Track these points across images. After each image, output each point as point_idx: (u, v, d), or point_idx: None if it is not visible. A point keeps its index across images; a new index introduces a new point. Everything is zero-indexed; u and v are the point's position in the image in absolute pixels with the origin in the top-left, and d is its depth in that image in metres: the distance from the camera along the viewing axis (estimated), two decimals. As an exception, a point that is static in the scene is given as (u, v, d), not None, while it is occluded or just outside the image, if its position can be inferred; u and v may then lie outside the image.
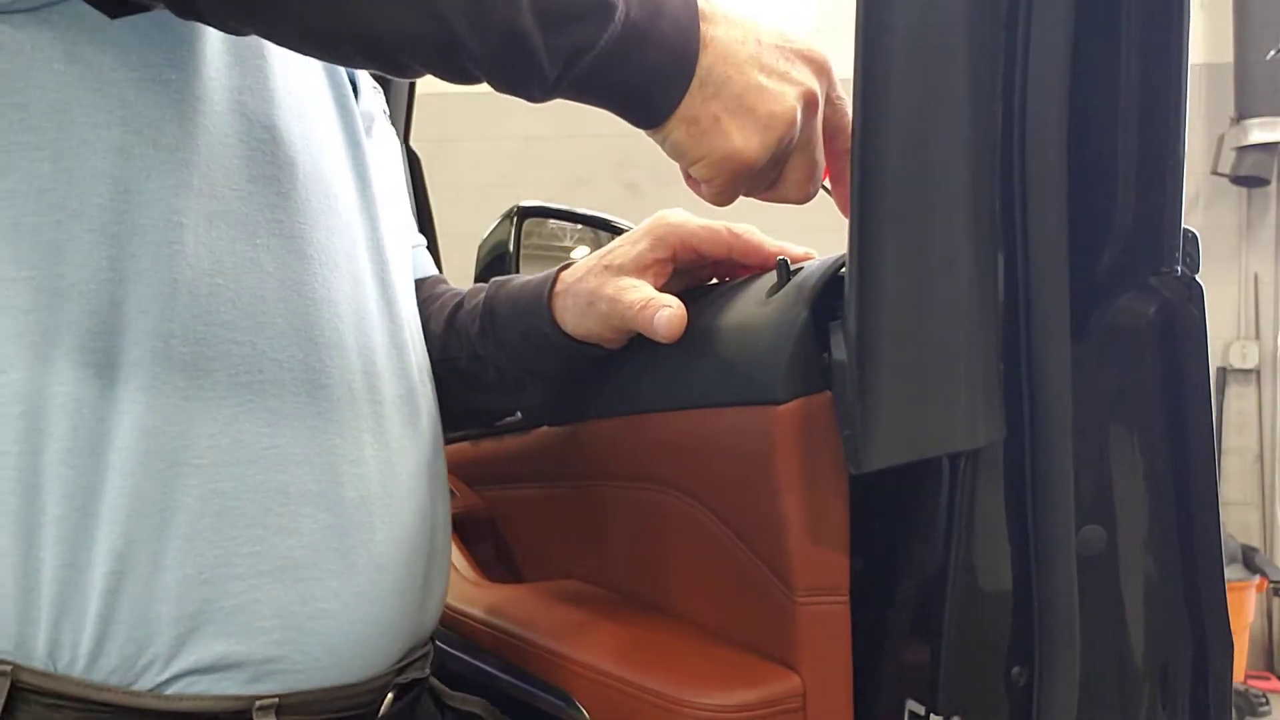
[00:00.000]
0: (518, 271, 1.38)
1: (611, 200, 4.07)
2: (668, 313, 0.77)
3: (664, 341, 0.78)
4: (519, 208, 1.69)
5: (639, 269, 0.80)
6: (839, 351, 0.64)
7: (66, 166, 0.63)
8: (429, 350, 0.91)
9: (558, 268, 0.85)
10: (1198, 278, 0.64)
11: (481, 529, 1.19)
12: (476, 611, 1.00)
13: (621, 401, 0.88)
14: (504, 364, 0.90)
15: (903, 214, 0.61)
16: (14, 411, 0.63)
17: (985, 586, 0.66)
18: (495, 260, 1.43)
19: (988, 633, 0.66)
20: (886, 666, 0.70)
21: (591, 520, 0.99)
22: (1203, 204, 4.19)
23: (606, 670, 0.81)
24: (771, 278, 0.76)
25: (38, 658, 0.63)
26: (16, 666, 0.63)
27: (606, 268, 0.81)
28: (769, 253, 0.81)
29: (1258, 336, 4.23)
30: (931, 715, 0.66)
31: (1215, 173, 4.09)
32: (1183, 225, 0.62)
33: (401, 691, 0.80)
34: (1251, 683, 4.10)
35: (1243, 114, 4.06)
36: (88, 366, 0.64)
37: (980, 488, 0.65)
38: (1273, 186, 4.22)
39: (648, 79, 0.62)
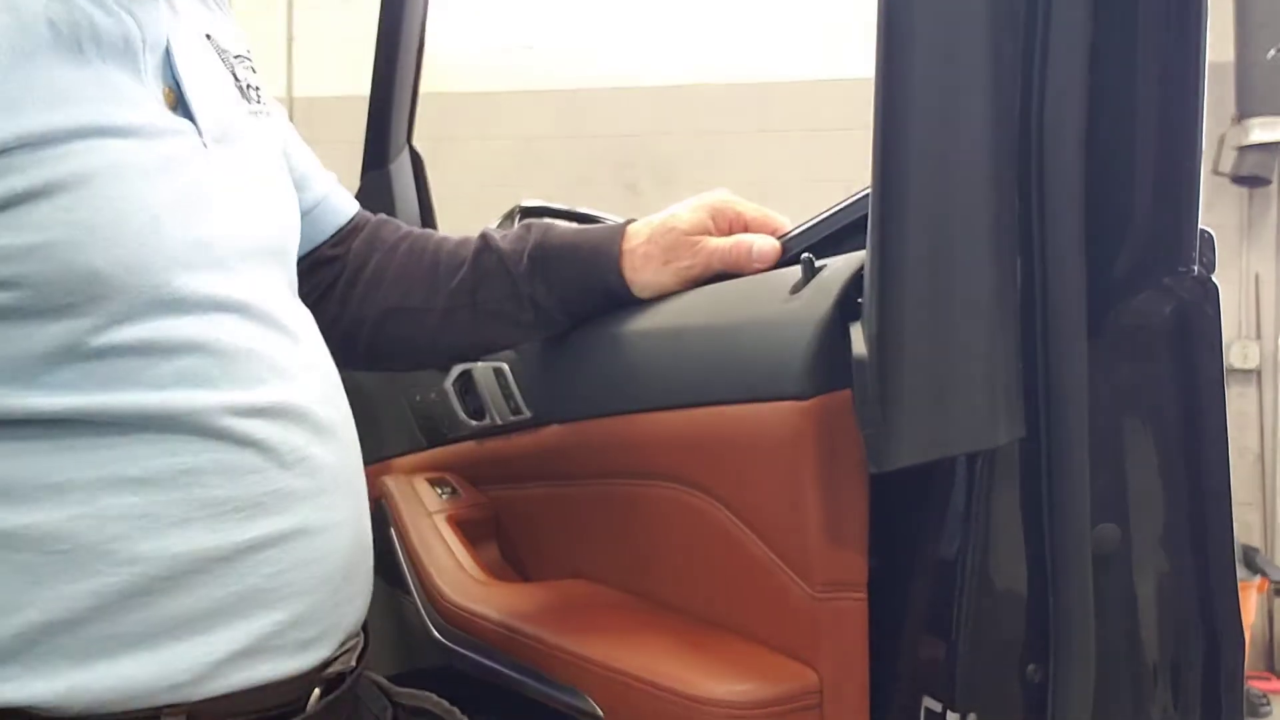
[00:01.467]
0: None
1: (611, 200, 4.07)
2: (759, 244, 0.88)
3: (762, 268, 0.87)
4: (520, 207, 1.69)
5: (703, 231, 0.91)
6: (860, 350, 0.65)
7: None
8: (413, 295, 0.98)
9: (620, 224, 0.94)
10: (1213, 278, 0.64)
11: (486, 528, 1.19)
12: (485, 610, 1.00)
13: (635, 398, 0.88)
14: (550, 305, 0.95)
15: (922, 214, 0.61)
16: None
17: (1001, 584, 0.67)
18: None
19: (1004, 630, 0.67)
20: (903, 663, 0.71)
21: (601, 518, 0.99)
22: (1203, 204, 4.18)
23: (621, 667, 0.81)
24: (793, 274, 0.76)
25: None
26: None
27: (673, 229, 0.91)
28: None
29: (1259, 336, 4.23)
30: (948, 711, 0.66)
31: (1216, 172, 4.09)
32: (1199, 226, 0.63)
33: (330, 686, 0.78)
34: (1252, 683, 4.10)
35: (1243, 113, 4.06)
36: None
37: (997, 486, 0.65)
38: (1273, 186, 4.21)
39: None
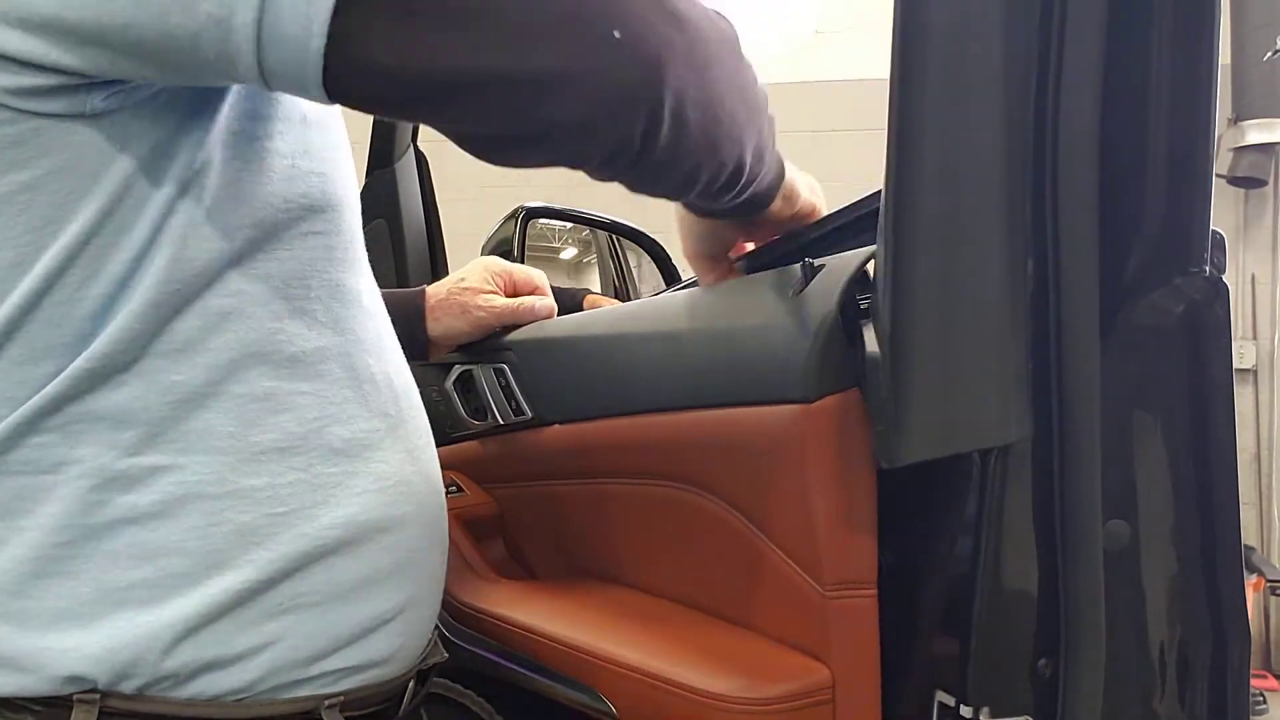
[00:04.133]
0: None
1: (611, 201, 4.06)
2: (540, 302, 1.12)
3: (543, 319, 1.09)
4: (524, 208, 1.70)
5: (491, 290, 1.12)
6: (871, 348, 0.65)
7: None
8: None
9: (418, 290, 1.14)
10: (1224, 278, 0.65)
11: (491, 527, 1.19)
12: (495, 608, 1.01)
13: (641, 400, 0.89)
14: None
15: (936, 213, 0.62)
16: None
17: (1013, 580, 0.67)
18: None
19: (1015, 625, 0.67)
20: (915, 658, 0.71)
21: (607, 518, 1.00)
22: (1201, 205, 4.18)
23: (633, 664, 0.81)
24: (791, 275, 0.77)
25: (124, 691, 0.66)
26: (105, 694, 0.65)
27: (467, 288, 1.12)
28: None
29: (1255, 337, 4.25)
30: (961, 706, 0.67)
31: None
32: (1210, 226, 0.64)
33: (422, 678, 0.83)
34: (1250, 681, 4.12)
35: (1240, 115, 4.08)
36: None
37: (1009, 483, 0.66)
38: (1270, 187, 4.24)
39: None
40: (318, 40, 0.57)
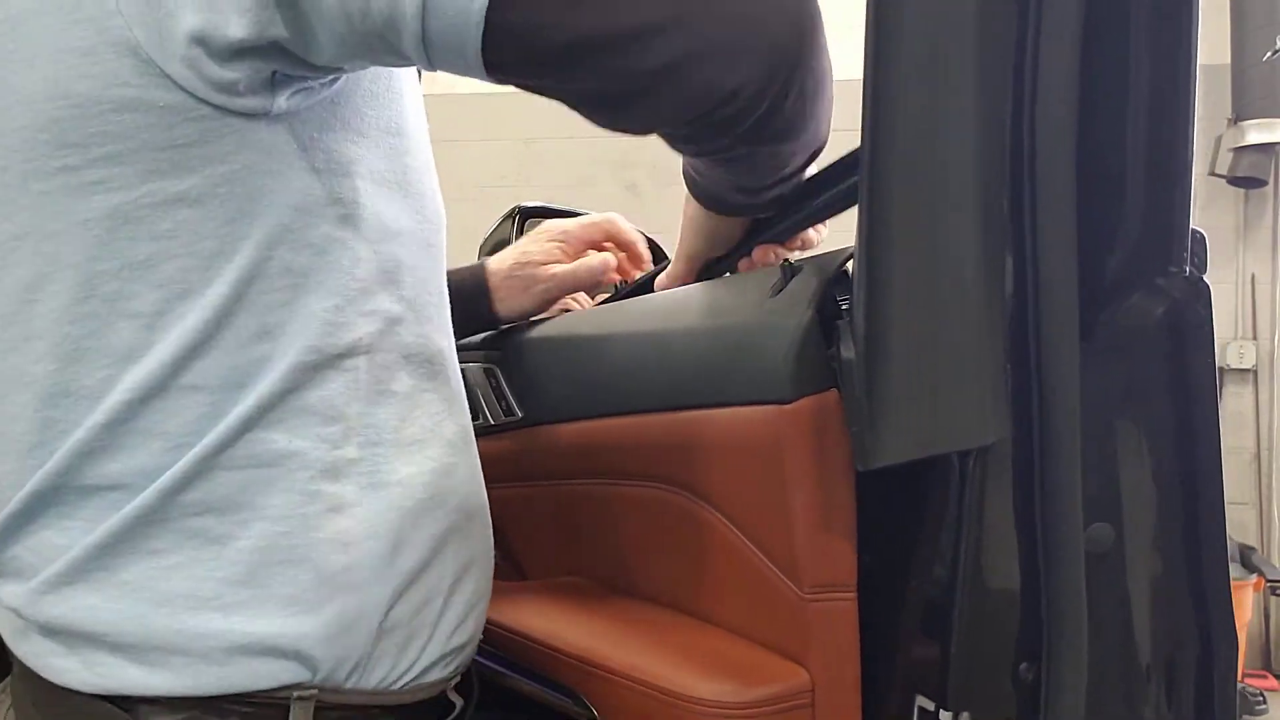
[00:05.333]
0: None
1: (611, 200, 4.06)
2: (597, 259, 1.09)
3: (605, 281, 1.09)
4: (520, 208, 1.69)
5: (554, 260, 1.10)
6: (847, 349, 0.65)
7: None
8: None
9: (480, 263, 1.11)
10: (1205, 278, 0.64)
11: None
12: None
13: (624, 401, 0.88)
14: None
15: (911, 213, 0.61)
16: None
17: (994, 583, 0.67)
18: (497, 259, 1.43)
19: (997, 629, 0.67)
20: (895, 662, 0.71)
21: (594, 519, 0.99)
22: (1200, 205, 4.17)
23: (613, 667, 0.81)
24: (771, 275, 0.76)
25: (338, 681, 0.71)
26: (320, 689, 0.70)
27: (529, 263, 1.10)
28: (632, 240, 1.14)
29: (1255, 337, 4.24)
30: (940, 711, 0.66)
31: (1212, 174, 4.09)
32: (1191, 226, 0.63)
33: None
34: (1249, 681, 4.10)
35: (1240, 115, 4.06)
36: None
37: (989, 486, 0.65)
38: (1270, 187, 4.22)
39: None
40: (480, 1, 0.59)
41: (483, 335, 1.12)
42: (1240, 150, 4.11)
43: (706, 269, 0.91)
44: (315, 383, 0.69)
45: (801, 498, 0.70)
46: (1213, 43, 4.10)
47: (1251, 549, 4.01)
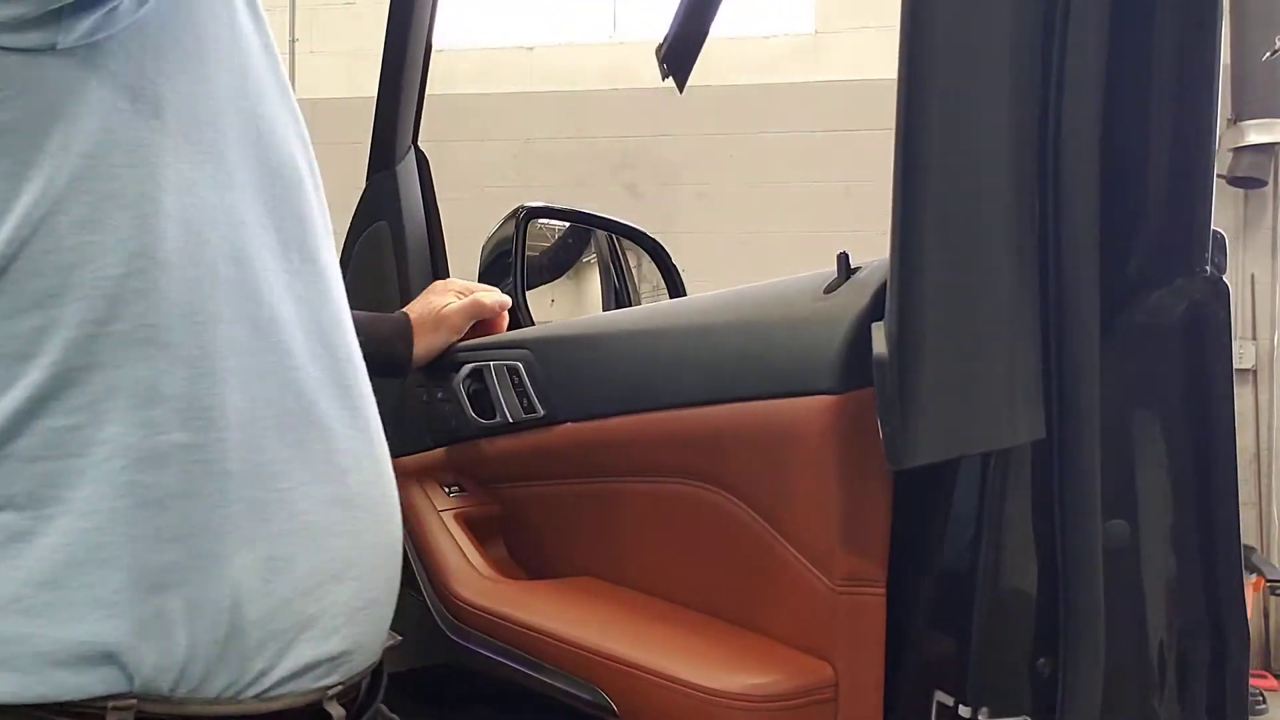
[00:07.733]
0: (522, 270, 1.40)
1: (611, 200, 4.07)
2: (489, 296, 1.19)
3: (496, 311, 1.18)
4: (524, 208, 1.69)
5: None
6: (880, 348, 0.65)
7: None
8: None
9: (401, 313, 1.20)
10: (1224, 278, 0.65)
11: (494, 526, 1.19)
12: (498, 607, 1.01)
13: (659, 396, 0.89)
14: None
15: (944, 216, 0.62)
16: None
17: (1013, 579, 0.67)
18: (498, 259, 1.44)
19: (1015, 625, 0.67)
20: (915, 657, 0.72)
21: (614, 516, 1.00)
22: (1200, 205, 4.17)
23: (635, 661, 0.81)
24: (826, 274, 0.77)
25: (161, 690, 0.64)
26: (140, 699, 0.63)
27: (433, 304, 1.19)
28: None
29: (1254, 337, 4.25)
30: (959, 705, 0.67)
31: (1212, 174, 4.11)
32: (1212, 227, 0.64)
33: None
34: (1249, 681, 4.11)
35: (1239, 115, 4.07)
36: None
37: (1009, 482, 0.66)
38: (1269, 188, 4.23)
39: None
40: None
41: (506, 334, 1.13)
42: (1240, 150, 4.12)
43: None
44: (119, 360, 0.62)
45: (841, 489, 0.70)
46: (1213, 44, 4.09)
47: (1251, 549, 4.02)
